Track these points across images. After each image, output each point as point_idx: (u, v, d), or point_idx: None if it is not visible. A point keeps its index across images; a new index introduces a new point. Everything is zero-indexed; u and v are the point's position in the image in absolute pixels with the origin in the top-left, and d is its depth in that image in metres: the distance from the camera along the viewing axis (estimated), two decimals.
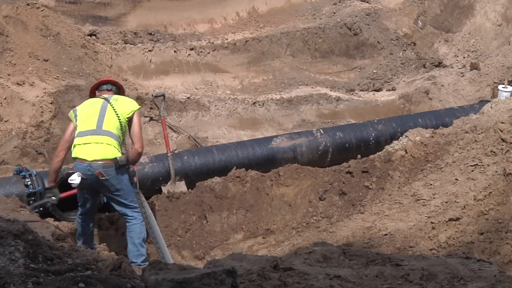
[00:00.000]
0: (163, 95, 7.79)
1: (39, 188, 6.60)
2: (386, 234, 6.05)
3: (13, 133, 7.95)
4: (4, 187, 6.60)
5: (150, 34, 10.80)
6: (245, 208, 7.26)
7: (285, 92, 10.74)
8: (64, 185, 6.67)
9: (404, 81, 11.47)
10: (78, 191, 5.88)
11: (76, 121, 5.84)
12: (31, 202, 6.55)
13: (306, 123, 10.38)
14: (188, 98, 9.94)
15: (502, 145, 6.52)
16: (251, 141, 8.44)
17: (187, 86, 10.37)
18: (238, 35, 11.30)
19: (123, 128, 5.82)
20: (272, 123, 10.33)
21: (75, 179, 5.64)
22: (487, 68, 11.48)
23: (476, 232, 5.57)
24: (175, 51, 10.51)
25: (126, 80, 9.80)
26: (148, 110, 9.28)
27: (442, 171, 6.84)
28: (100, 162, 5.62)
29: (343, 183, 7.43)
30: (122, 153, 5.81)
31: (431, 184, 6.71)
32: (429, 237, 5.78)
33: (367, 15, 11.95)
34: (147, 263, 5.48)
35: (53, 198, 6.05)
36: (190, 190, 7.32)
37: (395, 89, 11.36)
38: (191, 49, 10.67)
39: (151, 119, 9.22)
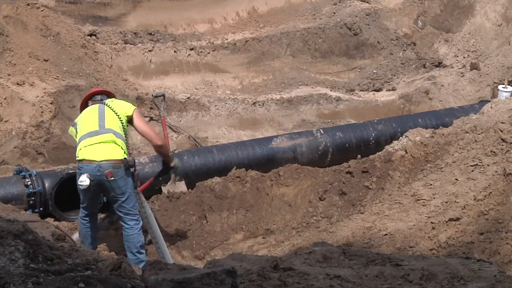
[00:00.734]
0: (163, 95, 7.78)
1: (39, 188, 6.59)
2: (386, 234, 6.04)
3: (13, 133, 7.96)
4: (4, 187, 6.59)
5: (150, 34, 10.81)
6: (245, 208, 7.26)
7: (285, 92, 10.74)
8: (64, 185, 6.68)
9: (404, 81, 11.47)
10: (82, 193, 5.75)
11: (77, 133, 5.75)
12: (31, 202, 6.55)
13: (306, 123, 10.38)
14: (188, 98, 9.94)
15: (502, 145, 6.51)
16: (251, 141, 8.44)
17: (187, 86, 10.38)
18: (238, 35, 11.30)
19: (125, 127, 5.76)
20: (272, 123, 10.34)
21: (84, 180, 5.51)
22: (487, 68, 11.48)
23: (476, 232, 5.57)
24: (175, 51, 10.52)
25: (126, 80, 9.80)
26: (148, 110, 9.28)
27: (442, 171, 6.83)
28: (109, 162, 5.54)
29: (343, 183, 7.43)
30: (129, 154, 5.78)
31: (431, 184, 6.70)
32: (429, 237, 5.78)
33: (367, 15, 11.95)
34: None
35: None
36: (190, 190, 7.32)
37: (395, 89, 11.36)
38: (191, 49, 10.67)
39: (151, 119, 9.21)
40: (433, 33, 12.33)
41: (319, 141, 8.36)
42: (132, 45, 10.33)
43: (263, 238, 7.06)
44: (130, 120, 5.83)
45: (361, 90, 11.30)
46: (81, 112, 5.99)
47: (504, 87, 10.35)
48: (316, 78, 11.23)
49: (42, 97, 8.33)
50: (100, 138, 5.61)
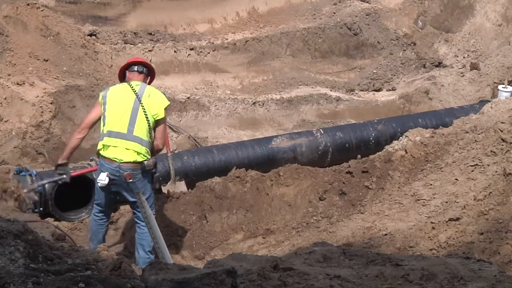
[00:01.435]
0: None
1: (39, 188, 6.59)
2: (386, 234, 6.04)
3: (13, 133, 7.96)
4: None
5: (150, 34, 10.81)
6: (245, 208, 7.26)
7: (285, 92, 10.75)
8: (63, 185, 6.68)
9: (404, 81, 11.47)
10: (98, 190, 5.77)
11: (103, 108, 5.69)
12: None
13: (306, 123, 10.38)
14: (188, 98, 9.95)
15: (502, 145, 6.52)
16: (251, 141, 8.44)
17: (187, 86, 10.38)
18: (238, 35, 11.31)
19: (151, 130, 5.75)
20: (272, 123, 10.34)
21: (104, 179, 5.56)
22: (487, 68, 11.48)
23: (476, 232, 5.57)
24: (175, 51, 10.52)
25: None
26: None
27: (442, 171, 6.84)
28: (130, 165, 5.58)
29: (343, 183, 7.43)
30: (151, 157, 5.77)
31: (431, 184, 6.70)
32: (429, 237, 5.77)
33: (367, 15, 11.96)
34: None
35: (64, 176, 5.94)
36: (190, 190, 7.32)
37: (395, 89, 11.36)
38: (191, 49, 10.67)
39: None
40: (433, 33, 12.33)
41: (319, 141, 8.36)
42: (132, 45, 10.34)
43: (263, 238, 7.06)
44: (158, 120, 5.77)
45: (361, 90, 11.30)
46: (120, 81, 5.96)
47: (504, 87, 10.35)
48: (316, 78, 11.23)
49: (42, 97, 8.33)
50: (125, 144, 5.61)
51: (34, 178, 6.61)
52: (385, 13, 12.25)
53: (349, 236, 6.32)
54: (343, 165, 7.71)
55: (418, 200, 6.52)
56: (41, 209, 6.59)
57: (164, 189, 7.25)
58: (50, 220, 6.39)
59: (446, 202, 6.21)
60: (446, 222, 5.84)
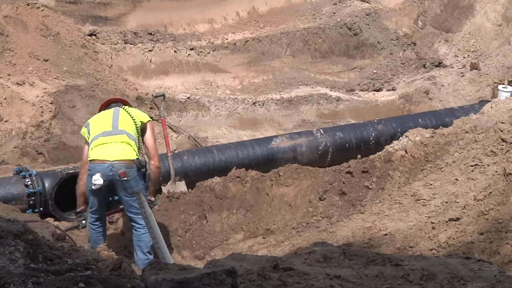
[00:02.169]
0: (163, 95, 7.78)
1: (39, 188, 6.59)
2: (386, 234, 6.04)
3: (13, 133, 7.96)
4: (4, 187, 6.59)
5: (150, 34, 10.81)
6: (245, 208, 7.26)
7: (285, 92, 10.75)
8: (64, 185, 6.68)
9: (404, 81, 11.47)
10: (92, 195, 5.72)
11: (88, 133, 5.75)
12: (31, 202, 6.55)
13: (306, 123, 10.38)
14: (188, 98, 9.95)
15: (502, 145, 6.51)
16: (251, 141, 8.44)
17: (187, 86, 10.38)
18: (238, 35, 11.31)
19: (138, 131, 5.77)
20: (272, 123, 10.34)
21: (98, 179, 5.50)
22: (487, 68, 11.48)
23: (476, 232, 5.56)
24: (175, 51, 10.52)
25: (126, 80, 9.81)
26: (148, 110, 9.27)
27: (442, 171, 6.84)
28: (122, 162, 5.56)
29: (343, 183, 7.42)
30: (141, 156, 5.77)
31: (431, 184, 6.70)
32: (429, 237, 5.77)
33: (367, 15, 11.96)
34: None
35: (83, 221, 6.01)
36: (190, 190, 7.32)
37: (395, 89, 11.36)
38: (191, 49, 10.67)
39: (151, 119, 9.21)
40: (433, 33, 12.33)
41: (319, 141, 8.36)
42: (132, 45, 10.34)
43: (263, 238, 7.06)
44: (143, 128, 5.82)
45: (361, 90, 11.30)
46: None
47: (504, 87, 10.34)
48: (316, 78, 11.23)
49: (42, 97, 8.33)
50: (112, 138, 5.62)
51: (34, 178, 6.61)
52: (385, 13, 12.25)
53: (349, 236, 6.32)
54: (343, 165, 7.71)
55: (418, 200, 6.52)
56: (41, 209, 6.58)
57: (164, 189, 7.25)
58: (50, 220, 6.39)
59: (446, 202, 6.21)
60: (446, 222, 5.84)
